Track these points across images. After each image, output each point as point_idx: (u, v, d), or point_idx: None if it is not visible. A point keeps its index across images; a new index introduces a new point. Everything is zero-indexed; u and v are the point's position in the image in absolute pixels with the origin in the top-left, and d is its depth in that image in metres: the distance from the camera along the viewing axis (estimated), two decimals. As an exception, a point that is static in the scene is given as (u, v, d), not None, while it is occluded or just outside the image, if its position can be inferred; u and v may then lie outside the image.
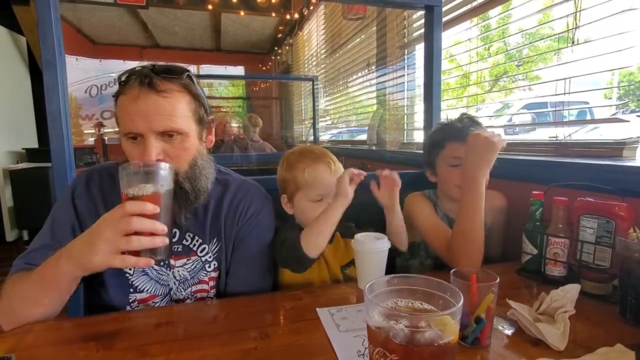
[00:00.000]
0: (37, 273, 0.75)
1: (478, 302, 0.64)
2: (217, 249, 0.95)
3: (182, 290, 0.93)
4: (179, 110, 0.80)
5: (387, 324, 0.41)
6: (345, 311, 0.78)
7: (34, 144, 4.75)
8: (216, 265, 0.95)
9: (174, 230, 0.91)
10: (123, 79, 0.81)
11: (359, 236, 0.92)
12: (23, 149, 4.42)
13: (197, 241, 0.93)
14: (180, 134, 0.81)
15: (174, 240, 0.91)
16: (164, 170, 0.72)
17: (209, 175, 0.90)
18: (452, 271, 0.66)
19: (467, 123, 1.17)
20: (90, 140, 5.61)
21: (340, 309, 0.79)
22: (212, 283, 0.95)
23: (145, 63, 0.85)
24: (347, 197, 0.91)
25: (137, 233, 0.67)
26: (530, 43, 1.77)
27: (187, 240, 0.92)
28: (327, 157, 1.05)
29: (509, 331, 0.71)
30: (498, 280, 0.64)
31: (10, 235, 4.12)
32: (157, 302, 0.91)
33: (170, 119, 0.79)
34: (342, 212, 0.92)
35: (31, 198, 3.95)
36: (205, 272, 0.94)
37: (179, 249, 0.91)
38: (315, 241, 0.92)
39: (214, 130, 0.94)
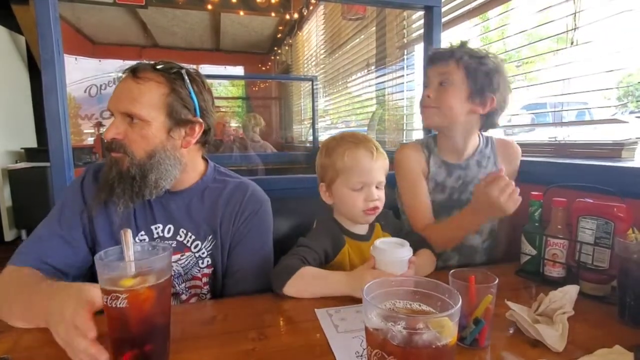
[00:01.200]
0: (26, 296, 0.73)
1: (477, 303, 0.64)
2: (211, 245, 0.96)
3: (177, 285, 0.94)
4: (146, 97, 0.83)
5: (385, 325, 0.41)
6: (344, 312, 0.78)
7: (32, 143, 4.74)
8: (210, 262, 0.96)
9: (169, 225, 0.93)
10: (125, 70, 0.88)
11: (378, 243, 0.84)
12: (22, 148, 4.42)
13: (190, 237, 0.94)
14: (141, 120, 0.83)
15: (169, 235, 0.93)
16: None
17: (167, 173, 0.87)
18: (450, 272, 0.66)
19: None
20: (90, 140, 5.61)
21: (339, 310, 0.79)
22: (205, 279, 0.96)
23: (200, 67, 0.93)
24: (355, 292, 0.82)
25: None
26: (530, 44, 1.77)
27: (180, 236, 0.93)
28: (370, 142, 0.99)
29: (507, 332, 0.71)
30: (497, 281, 0.64)
31: (8, 235, 4.11)
32: None
33: (132, 103, 0.82)
34: (338, 294, 0.84)
35: (30, 198, 3.94)
36: (199, 268, 0.95)
37: (173, 245, 0.92)
38: (299, 288, 0.86)
39: (196, 134, 0.91)
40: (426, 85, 1.16)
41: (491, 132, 1.23)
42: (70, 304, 0.61)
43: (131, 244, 0.59)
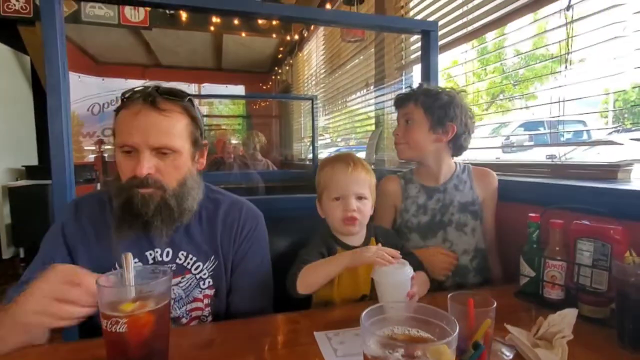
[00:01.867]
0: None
1: (476, 327, 0.64)
2: (214, 266, 0.96)
3: (177, 308, 0.93)
4: (176, 129, 0.84)
5: (383, 353, 0.41)
6: (343, 335, 0.78)
7: (34, 161, 4.76)
8: (211, 282, 0.95)
9: (167, 249, 0.92)
10: (127, 95, 0.85)
11: (379, 267, 0.85)
12: (23, 166, 4.43)
13: (190, 259, 0.94)
14: (174, 151, 0.84)
15: (167, 259, 0.92)
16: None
17: (196, 196, 0.92)
18: (449, 296, 0.66)
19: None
20: (91, 158, 5.64)
21: (338, 333, 0.79)
22: (206, 301, 0.95)
23: (149, 83, 0.88)
24: (355, 261, 0.89)
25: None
26: (527, 66, 1.81)
27: (180, 259, 0.93)
28: (348, 158, 1.05)
29: (507, 357, 0.70)
30: (495, 305, 0.64)
31: (6, 252, 4.08)
32: None
33: (167, 136, 0.82)
34: (340, 269, 0.92)
35: (29, 215, 3.93)
36: (200, 290, 0.94)
37: (172, 268, 0.91)
38: (308, 280, 0.93)
39: (205, 154, 0.97)
40: (397, 125, 1.32)
41: (491, 152, 1.26)
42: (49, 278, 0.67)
43: (132, 268, 0.59)
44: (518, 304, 0.97)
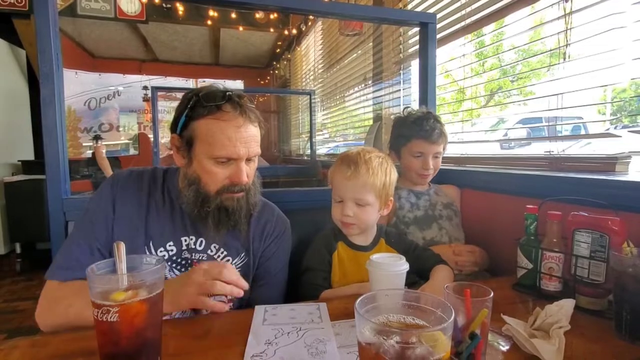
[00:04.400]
0: None
1: (472, 318, 0.63)
2: (243, 263, 1.00)
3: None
4: (259, 137, 0.93)
5: (377, 339, 0.41)
6: (339, 327, 0.77)
7: (30, 156, 4.74)
8: None
9: (201, 239, 0.95)
10: (209, 102, 0.85)
11: (375, 258, 0.86)
12: (19, 161, 4.41)
13: (221, 252, 0.97)
14: (256, 157, 0.93)
15: (200, 248, 0.95)
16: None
17: (259, 188, 1.00)
18: (446, 286, 0.65)
19: (432, 124, 1.36)
20: (88, 153, 5.61)
21: (334, 325, 0.78)
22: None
23: (205, 81, 0.97)
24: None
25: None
26: (524, 59, 1.80)
27: (211, 251, 0.96)
28: (352, 160, 1.02)
29: (504, 347, 0.70)
30: (492, 295, 0.63)
31: (1, 248, 4.07)
32: None
33: (258, 146, 0.91)
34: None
35: (25, 211, 3.91)
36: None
37: (203, 258, 0.95)
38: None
39: None
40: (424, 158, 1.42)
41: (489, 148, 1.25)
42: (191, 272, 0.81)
43: (124, 257, 0.58)
44: (515, 295, 0.97)
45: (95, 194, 0.95)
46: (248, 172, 0.90)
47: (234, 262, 0.98)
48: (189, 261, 0.95)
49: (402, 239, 1.14)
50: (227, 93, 0.87)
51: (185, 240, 0.95)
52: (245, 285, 0.82)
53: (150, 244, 0.92)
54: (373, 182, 0.99)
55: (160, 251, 0.92)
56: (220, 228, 0.92)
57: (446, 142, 1.42)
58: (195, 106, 0.86)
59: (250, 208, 0.95)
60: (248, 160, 0.90)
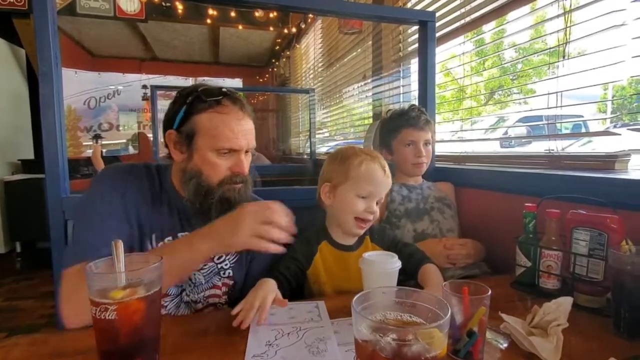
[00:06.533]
0: (167, 254, 0.71)
1: (470, 315, 0.63)
2: (235, 259, 1.01)
3: (195, 293, 0.96)
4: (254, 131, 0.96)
5: (374, 337, 0.41)
6: (337, 324, 0.78)
7: (30, 155, 4.74)
8: (231, 273, 1.00)
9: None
10: (209, 97, 0.89)
11: (367, 255, 0.87)
12: (19, 160, 4.41)
13: None
14: (251, 150, 0.96)
15: None
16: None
17: (254, 179, 1.02)
18: (443, 284, 0.66)
19: (417, 113, 1.43)
20: (88, 152, 5.61)
21: (333, 322, 0.78)
22: (225, 289, 0.99)
23: (204, 80, 0.98)
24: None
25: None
26: (524, 57, 1.80)
27: None
28: (382, 160, 1.06)
29: (502, 345, 0.70)
30: (490, 293, 0.64)
31: (2, 247, 4.07)
32: (166, 302, 0.93)
33: (254, 140, 0.95)
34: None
35: (25, 210, 3.92)
36: (219, 277, 0.99)
37: None
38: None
39: None
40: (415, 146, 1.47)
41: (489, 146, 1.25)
42: (241, 211, 0.83)
43: (122, 255, 0.59)
44: (514, 294, 0.97)
45: (98, 184, 0.92)
46: (246, 164, 0.94)
47: (227, 257, 0.99)
48: None
49: (386, 234, 1.13)
50: (224, 89, 0.91)
51: (182, 236, 0.94)
52: (294, 229, 0.84)
53: (153, 237, 0.92)
54: (390, 182, 1.06)
55: (160, 245, 0.92)
56: (217, 216, 0.91)
57: (433, 130, 1.48)
58: (195, 101, 0.88)
59: (248, 200, 0.95)
60: (246, 152, 0.94)
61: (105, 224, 0.85)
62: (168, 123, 0.92)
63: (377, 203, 1.03)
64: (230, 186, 0.91)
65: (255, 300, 0.77)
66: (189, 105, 0.89)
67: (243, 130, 0.90)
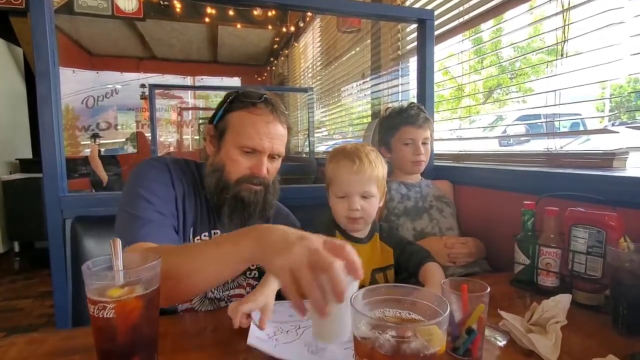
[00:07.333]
0: (212, 244, 0.74)
1: (469, 313, 0.63)
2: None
3: (220, 291, 0.98)
4: (285, 140, 0.98)
5: (373, 334, 0.41)
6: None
7: (28, 154, 4.73)
8: (257, 275, 1.02)
9: (218, 232, 0.98)
10: (246, 99, 0.93)
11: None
12: (17, 159, 4.40)
13: None
14: (280, 157, 0.98)
15: None
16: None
17: (278, 192, 1.03)
18: (442, 281, 0.65)
19: (417, 111, 1.43)
20: (87, 152, 5.60)
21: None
22: (249, 289, 1.00)
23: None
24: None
25: None
26: (522, 55, 1.80)
27: None
28: (355, 154, 1.01)
29: (501, 342, 0.70)
30: (489, 290, 0.64)
31: (1, 246, 4.06)
32: (194, 299, 0.95)
33: (283, 146, 0.97)
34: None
35: (23, 209, 3.91)
36: (245, 277, 1.00)
37: None
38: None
39: None
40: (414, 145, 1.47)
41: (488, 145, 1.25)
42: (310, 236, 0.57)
43: (120, 254, 0.58)
44: (513, 291, 0.97)
45: (148, 169, 0.92)
46: (269, 169, 0.95)
47: None
48: None
49: (393, 234, 1.13)
50: (264, 94, 0.95)
51: (215, 233, 0.98)
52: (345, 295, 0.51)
53: (191, 230, 0.94)
54: (377, 174, 1.02)
55: (197, 240, 0.95)
56: (234, 218, 0.94)
57: (432, 128, 1.48)
58: (234, 101, 0.94)
59: (266, 206, 0.97)
60: (272, 158, 0.95)
61: (165, 203, 0.89)
62: (211, 118, 0.98)
63: (363, 197, 1.00)
64: (247, 185, 0.93)
65: (254, 308, 0.75)
66: (228, 104, 0.94)
67: (269, 133, 0.92)
